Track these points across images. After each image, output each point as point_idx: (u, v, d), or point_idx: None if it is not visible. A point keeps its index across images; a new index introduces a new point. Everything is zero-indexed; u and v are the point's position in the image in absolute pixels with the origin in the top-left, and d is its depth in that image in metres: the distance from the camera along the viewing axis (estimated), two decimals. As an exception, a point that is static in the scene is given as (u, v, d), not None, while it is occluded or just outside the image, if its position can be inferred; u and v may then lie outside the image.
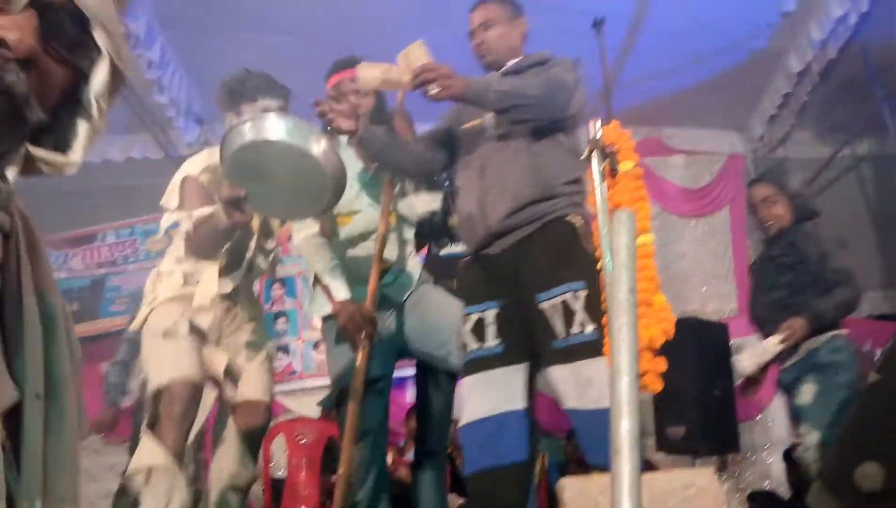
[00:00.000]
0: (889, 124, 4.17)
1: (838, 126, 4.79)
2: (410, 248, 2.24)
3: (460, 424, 1.85)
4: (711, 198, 5.06)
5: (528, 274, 1.77)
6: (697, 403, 3.50)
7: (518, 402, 1.77)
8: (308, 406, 4.01)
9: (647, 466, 4.13)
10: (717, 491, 0.98)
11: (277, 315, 4.54)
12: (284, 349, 4.48)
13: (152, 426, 1.93)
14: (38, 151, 0.71)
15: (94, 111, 0.74)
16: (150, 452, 1.89)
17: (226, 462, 2.09)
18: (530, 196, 1.78)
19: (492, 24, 1.91)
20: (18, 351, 0.70)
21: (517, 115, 1.77)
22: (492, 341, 1.80)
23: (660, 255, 5.02)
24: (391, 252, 2.18)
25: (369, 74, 1.74)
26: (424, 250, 2.49)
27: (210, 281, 2.08)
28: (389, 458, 3.77)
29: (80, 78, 0.74)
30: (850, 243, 4.35)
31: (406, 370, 4.18)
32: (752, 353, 2.44)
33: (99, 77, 0.74)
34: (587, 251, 1.75)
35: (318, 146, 1.64)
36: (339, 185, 1.72)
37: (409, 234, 2.24)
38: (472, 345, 1.83)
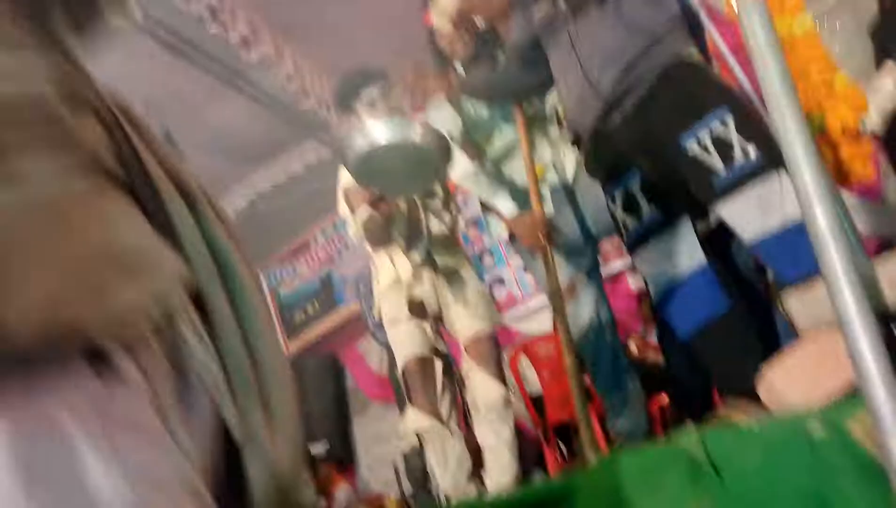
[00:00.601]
0: None
1: None
2: (564, 144, 2.24)
3: (654, 300, 1.84)
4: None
5: (663, 124, 1.66)
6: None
7: (697, 258, 1.71)
8: (539, 324, 4.18)
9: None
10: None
11: (482, 254, 4.76)
12: (500, 282, 4.69)
13: (409, 398, 2.30)
14: None
15: None
16: (413, 419, 2.25)
17: (476, 393, 2.33)
18: (634, 51, 1.67)
19: None
20: (172, 235, 0.55)
21: None
22: (647, 210, 1.74)
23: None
24: (545, 155, 2.21)
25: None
26: None
27: (401, 261, 2.36)
28: (634, 347, 3.83)
29: None
30: None
31: (617, 264, 4.19)
32: (874, 102, 1.96)
33: None
34: (715, 79, 1.62)
35: (416, 133, 1.88)
36: (446, 153, 1.96)
37: (556, 132, 2.24)
38: (629, 221, 1.79)
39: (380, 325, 3.36)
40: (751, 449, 0.75)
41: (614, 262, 4.26)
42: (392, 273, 2.39)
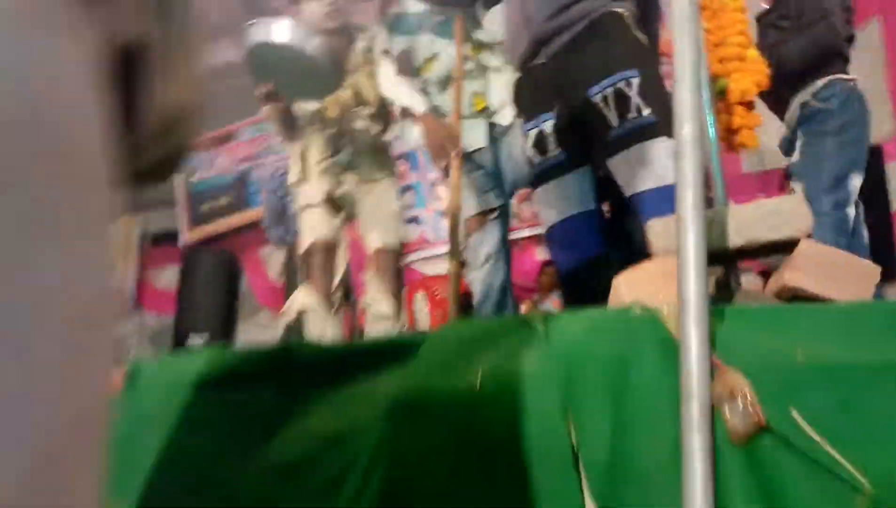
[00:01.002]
0: None
1: None
2: (500, 75, 2.26)
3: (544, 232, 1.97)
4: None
5: (579, 73, 1.74)
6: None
7: (586, 203, 1.82)
8: (443, 269, 4.28)
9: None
10: (806, 215, 1.00)
11: (405, 189, 4.78)
12: (415, 221, 4.75)
13: (306, 277, 2.34)
14: None
15: None
16: (303, 296, 2.29)
17: (368, 301, 2.41)
18: None
19: None
20: None
21: None
22: (553, 151, 1.83)
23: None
24: (481, 85, 2.24)
25: None
26: None
27: (313, 156, 2.43)
28: (525, 310, 4.01)
29: None
30: None
31: (535, 230, 4.33)
32: None
33: None
34: (638, 40, 1.71)
35: (313, 46, 1.99)
36: (340, 69, 2.12)
37: (495, 61, 2.27)
38: (536, 159, 1.88)
39: (274, 224, 3.43)
40: (581, 323, 0.85)
41: (528, 229, 4.40)
42: (301, 167, 2.43)
